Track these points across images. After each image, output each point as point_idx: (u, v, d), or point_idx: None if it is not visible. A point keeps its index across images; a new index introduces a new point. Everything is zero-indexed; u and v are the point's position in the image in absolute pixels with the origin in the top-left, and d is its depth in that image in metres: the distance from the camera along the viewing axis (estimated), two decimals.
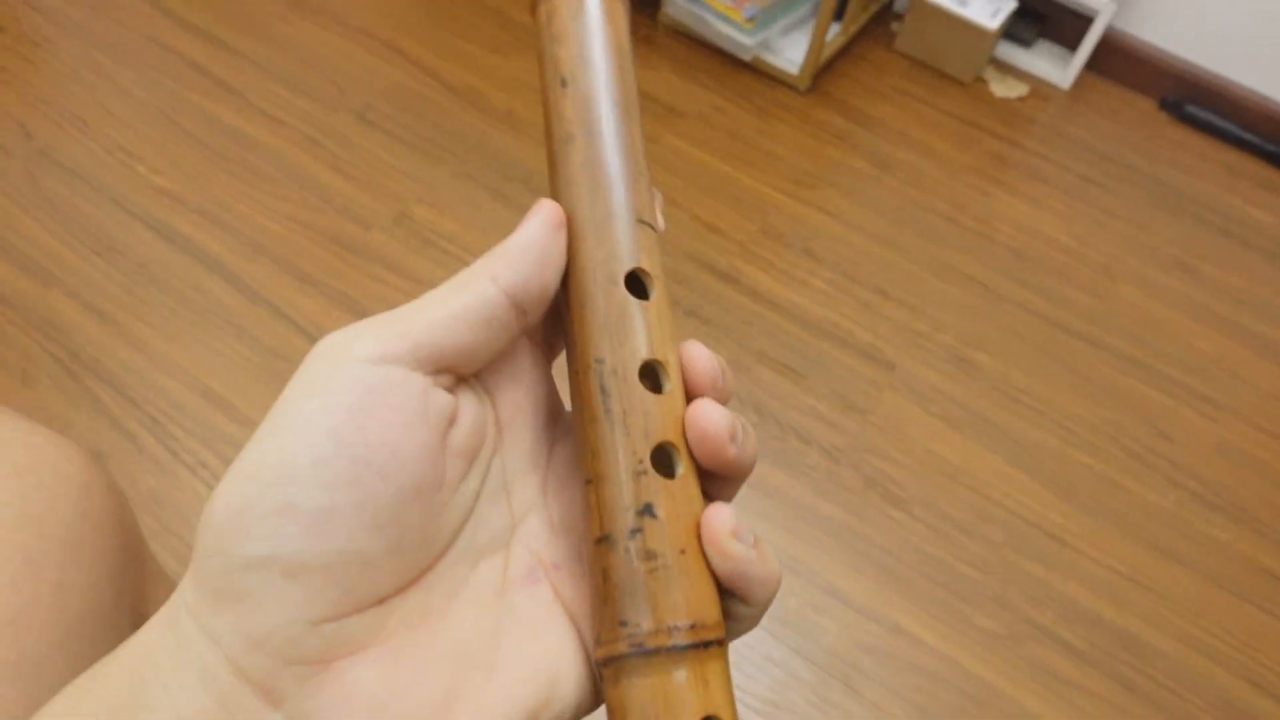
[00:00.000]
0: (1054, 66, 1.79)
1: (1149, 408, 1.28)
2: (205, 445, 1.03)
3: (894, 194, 1.49)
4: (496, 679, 0.21)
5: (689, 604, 0.22)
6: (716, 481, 0.24)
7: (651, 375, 0.24)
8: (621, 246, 0.24)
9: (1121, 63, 1.78)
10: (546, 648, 0.23)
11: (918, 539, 1.10)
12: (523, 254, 0.23)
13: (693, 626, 0.22)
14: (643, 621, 0.22)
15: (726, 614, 0.23)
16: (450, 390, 0.23)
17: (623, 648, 0.22)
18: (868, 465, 1.15)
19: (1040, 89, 1.76)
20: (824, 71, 1.66)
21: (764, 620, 0.97)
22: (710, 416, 0.23)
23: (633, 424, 0.23)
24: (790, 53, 1.62)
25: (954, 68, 1.71)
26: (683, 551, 0.22)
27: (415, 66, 1.49)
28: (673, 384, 0.24)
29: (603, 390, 0.23)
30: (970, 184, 1.54)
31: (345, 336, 0.21)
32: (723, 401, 0.24)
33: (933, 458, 1.18)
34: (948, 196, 1.51)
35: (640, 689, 0.21)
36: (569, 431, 0.27)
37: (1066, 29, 1.79)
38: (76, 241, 1.17)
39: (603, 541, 0.22)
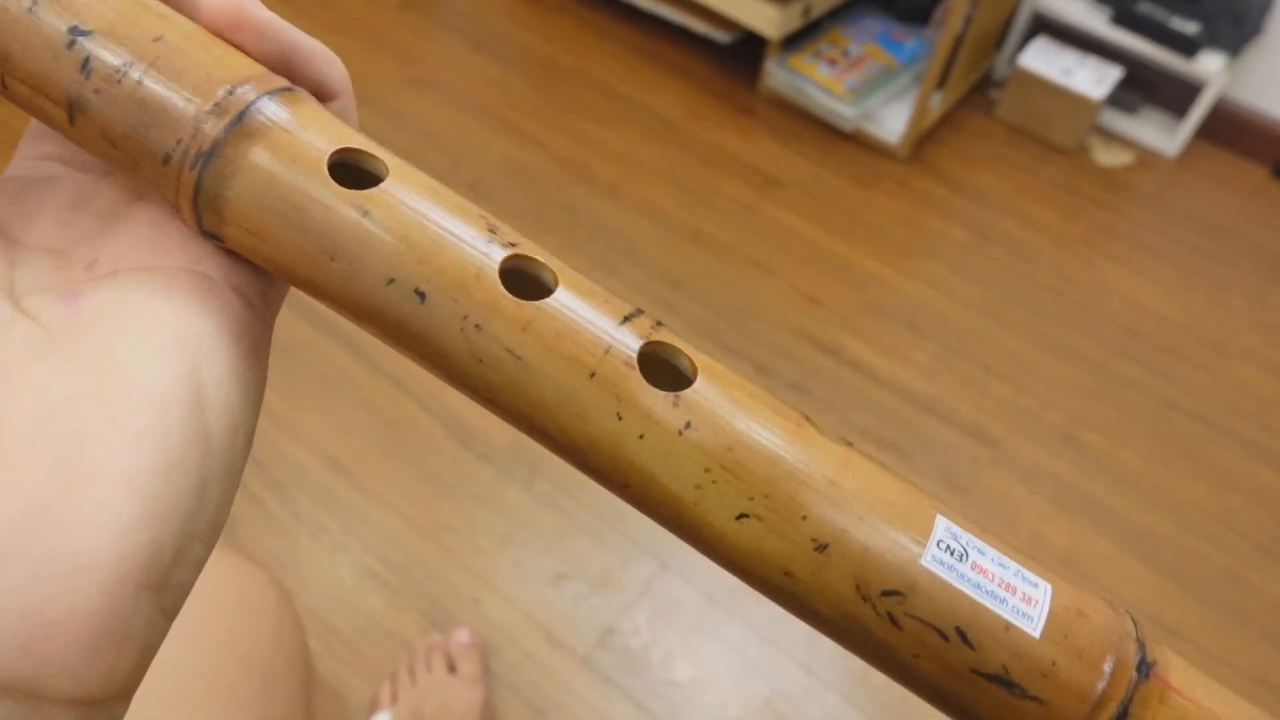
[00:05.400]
0: (1160, 134, 1.76)
1: (1271, 495, 1.23)
2: (326, 511, 1.08)
3: (997, 265, 1.48)
4: (111, 391, 0.16)
5: (219, 63, 0.17)
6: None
7: None
8: None
9: (1233, 130, 1.74)
10: (136, 311, 0.17)
11: None
12: None
13: (255, 79, 0.17)
14: (187, 106, 0.17)
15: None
16: None
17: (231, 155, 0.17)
18: None
19: (1146, 157, 1.73)
20: (924, 140, 1.67)
21: (867, 705, 0.97)
22: None
23: None
24: (890, 122, 1.63)
25: (1056, 135, 1.70)
26: (159, 39, 0.17)
27: (525, 139, 1.55)
28: None
29: None
30: (1076, 255, 1.52)
31: None
32: None
33: (1040, 541, 1.15)
34: (1053, 268, 1.49)
35: (255, 173, 0.17)
36: None
37: (1173, 95, 1.76)
38: None
39: (77, 107, 0.17)
